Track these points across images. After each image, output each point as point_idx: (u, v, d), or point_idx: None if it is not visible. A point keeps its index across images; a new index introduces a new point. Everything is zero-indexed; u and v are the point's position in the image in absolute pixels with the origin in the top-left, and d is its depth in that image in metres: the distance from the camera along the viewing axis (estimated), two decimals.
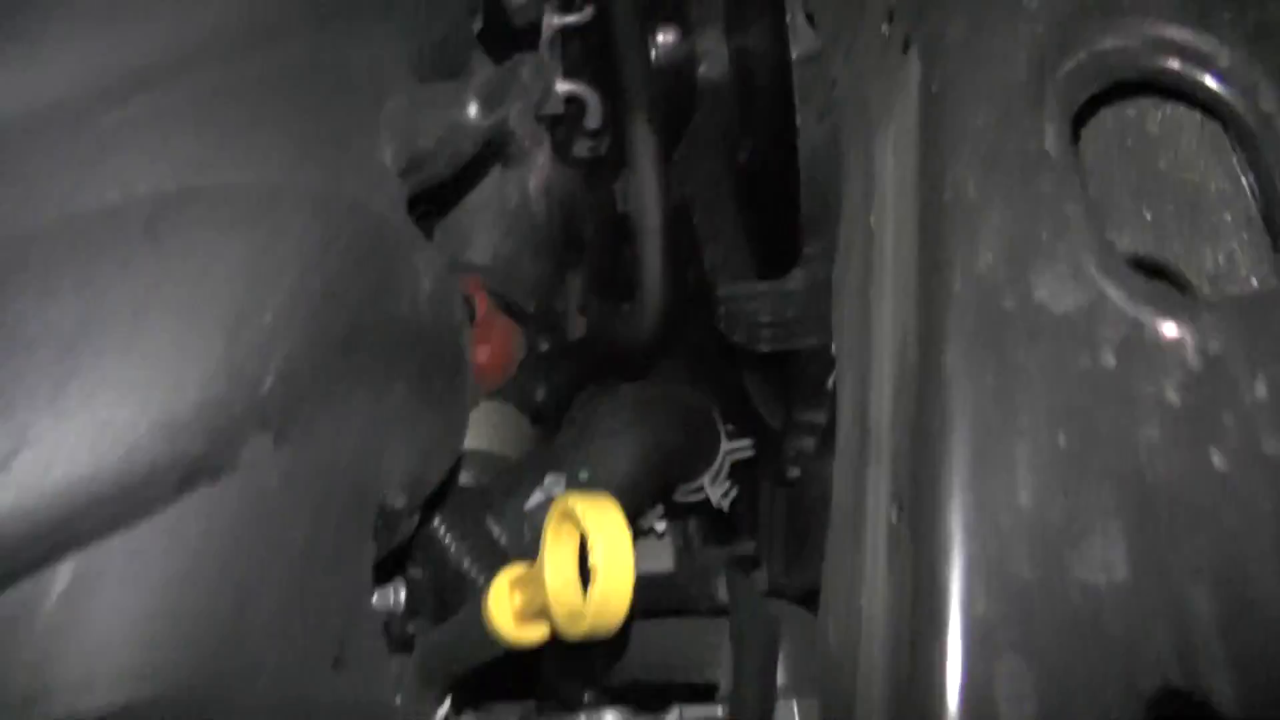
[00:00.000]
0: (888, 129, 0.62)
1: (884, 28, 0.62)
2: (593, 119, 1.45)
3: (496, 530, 1.06)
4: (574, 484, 1.08)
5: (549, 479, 1.08)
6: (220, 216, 0.58)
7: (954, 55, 0.55)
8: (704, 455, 1.21)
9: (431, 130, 0.70)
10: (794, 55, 1.00)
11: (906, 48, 0.58)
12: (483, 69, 0.94)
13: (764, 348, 1.08)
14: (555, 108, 1.44)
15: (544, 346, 1.21)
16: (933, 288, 0.50)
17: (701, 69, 1.27)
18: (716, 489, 1.24)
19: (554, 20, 1.44)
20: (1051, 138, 0.53)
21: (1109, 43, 0.55)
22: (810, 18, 0.86)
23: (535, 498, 1.07)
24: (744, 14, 1.22)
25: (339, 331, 0.60)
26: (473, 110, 0.70)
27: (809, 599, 1.22)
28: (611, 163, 1.43)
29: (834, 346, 0.66)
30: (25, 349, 0.52)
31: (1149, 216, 0.64)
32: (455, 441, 0.75)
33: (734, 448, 1.24)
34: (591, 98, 1.44)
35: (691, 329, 1.35)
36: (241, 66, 0.63)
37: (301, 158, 0.63)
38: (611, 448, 1.11)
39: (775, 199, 1.15)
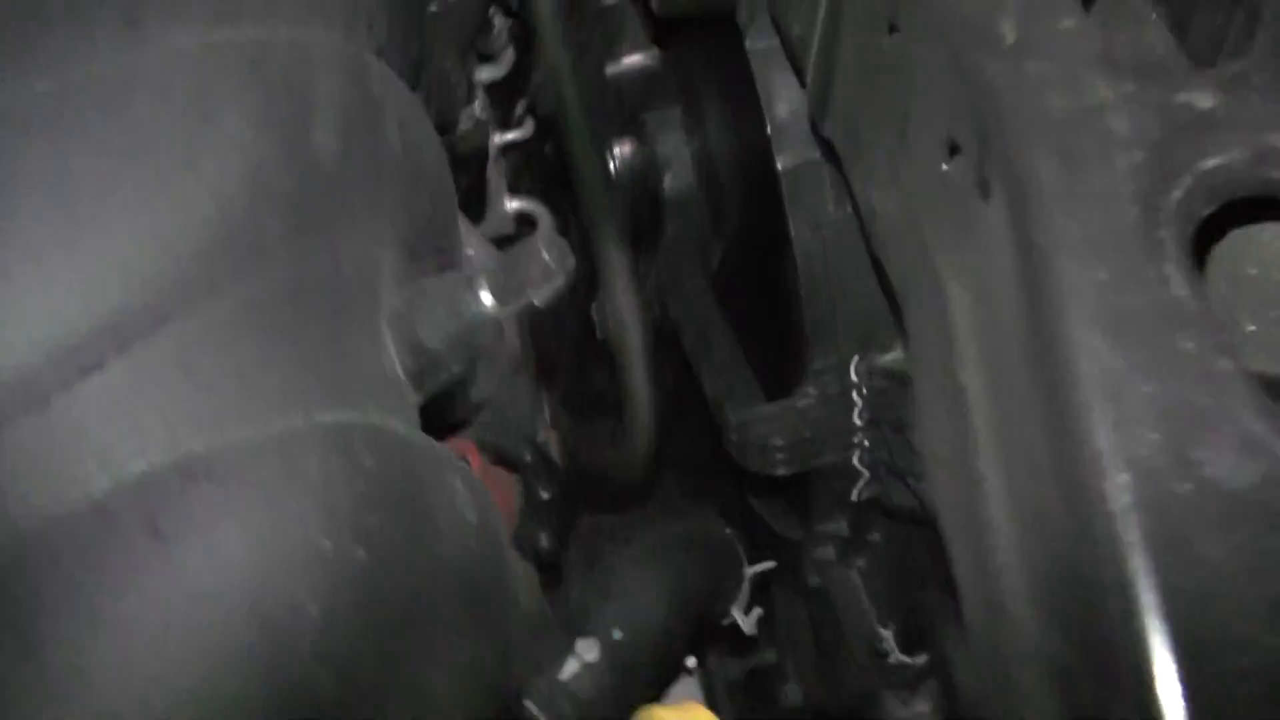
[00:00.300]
0: (964, 278, 0.56)
1: (943, 165, 0.56)
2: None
3: (534, 709, 0.99)
4: (608, 646, 1.01)
5: (580, 644, 1.00)
6: (233, 495, 0.49)
7: (1054, 200, 0.48)
8: (731, 588, 1.14)
9: (442, 329, 0.61)
10: (781, 166, 0.95)
11: (986, 192, 0.52)
12: (471, 243, 0.87)
13: (781, 471, 1.02)
14: (506, 227, 1.40)
15: (545, 495, 1.13)
16: (1094, 482, 0.43)
17: (666, 179, 1.22)
18: (746, 617, 1.16)
19: (497, 139, 1.40)
20: (1179, 283, 0.47)
21: (1212, 161, 0.50)
22: (817, 129, 0.80)
23: (569, 667, 0.99)
24: (705, 119, 1.17)
25: (389, 604, 0.51)
26: (487, 300, 0.62)
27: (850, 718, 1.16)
28: (582, 286, 1.37)
29: (939, 520, 0.59)
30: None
31: (1252, 329, 0.59)
32: (509, 665, 0.66)
33: (756, 571, 1.18)
34: (542, 213, 1.39)
35: (683, 445, 1.28)
36: (226, 299, 0.53)
37: (309, 392, 0.54)
38: (639, 602, 1.04)
39: (763, 309, 1.10)
